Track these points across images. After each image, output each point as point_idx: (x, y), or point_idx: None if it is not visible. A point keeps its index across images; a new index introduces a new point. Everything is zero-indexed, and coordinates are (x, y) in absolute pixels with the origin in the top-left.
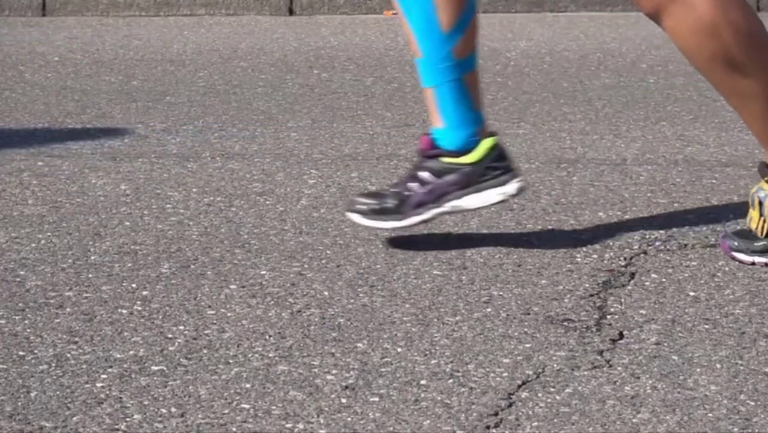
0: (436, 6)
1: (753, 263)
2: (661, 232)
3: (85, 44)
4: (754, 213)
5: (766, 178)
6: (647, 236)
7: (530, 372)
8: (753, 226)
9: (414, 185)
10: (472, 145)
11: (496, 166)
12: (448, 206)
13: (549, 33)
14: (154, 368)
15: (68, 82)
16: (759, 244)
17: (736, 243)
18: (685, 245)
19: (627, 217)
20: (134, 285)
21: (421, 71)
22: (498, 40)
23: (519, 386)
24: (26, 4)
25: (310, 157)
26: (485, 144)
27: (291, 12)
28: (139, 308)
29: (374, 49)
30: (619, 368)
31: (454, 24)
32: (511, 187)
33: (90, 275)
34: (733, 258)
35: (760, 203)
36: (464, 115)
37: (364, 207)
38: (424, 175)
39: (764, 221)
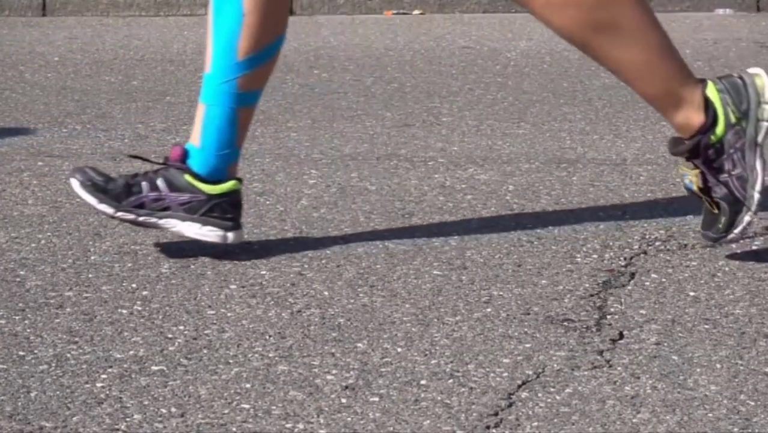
0: (241, 32)
1: (745, 231)
2: (661, 232)
3: (85, 44)
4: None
5: (683, 162)
6: (647, 236)
7: (530, 372)
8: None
9: (145, 185)
10: (218, 177)
11: (228, 210)
12: (164, 222)
13: (549, 33)
14: (154, 368)
15: (68, 82)
16: (720, 224)
17: (714, 236)
18: (685, 245)
19: (627, 217)
20: (134, 285)
21: (203, 86)
22: (498, 40)
23: (519, 386)
24: (26, 4)
25: (310, 157)
26: (230, 184)
27: (291, 12)
28: (139, 308)
29: (374, 49)
30: (619, 368)
31: (249, 56)
32: (231, 236)
33: (90, 275)
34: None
35: (689, 189)
36: (223, 145)
37: (87, 179)
38: (159, 182)
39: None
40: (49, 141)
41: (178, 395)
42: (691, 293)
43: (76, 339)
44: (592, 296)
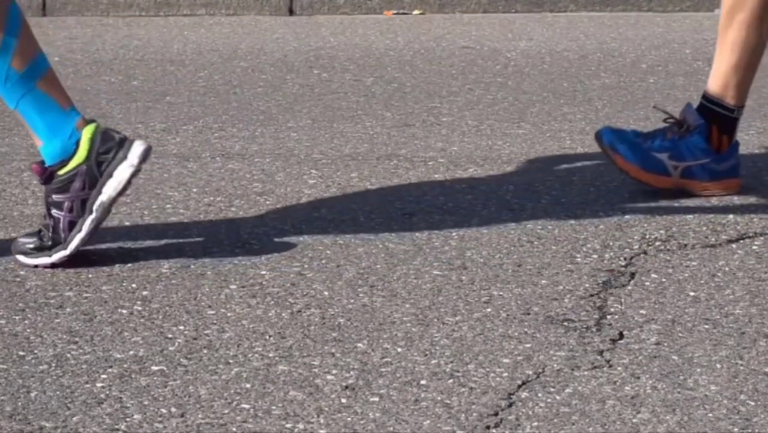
0: None
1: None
2: (661, 232)
3: (85, 44)
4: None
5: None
6: (647, 236)
7: (530, 372)
8: None
9: (56, 213)
10: (74, 147)
11: (107, 148)
12: (96, 209)
13: (549, 33)
14: (154, 368)
15: (68, 82)
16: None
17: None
18: (685, 245)
19: (627, 217)
20: (134, 285)
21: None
22: (498, 40)
23: (519, 386)
24: (26, 4)
25: (310, 157)
26: (85, 136)
27: (291, 12)
28: (139, 308)
29: (374, 49)
30: (619, 368)
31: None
32: (134, 154)
33: (90, 275)
34: None
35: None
36: (54, 121)
37: (25, 248)
38: (56, 197)
39: None
40: None
41: (178, 395)
42: (691, 293)
43: (76, 339)
44: (592, 296)
